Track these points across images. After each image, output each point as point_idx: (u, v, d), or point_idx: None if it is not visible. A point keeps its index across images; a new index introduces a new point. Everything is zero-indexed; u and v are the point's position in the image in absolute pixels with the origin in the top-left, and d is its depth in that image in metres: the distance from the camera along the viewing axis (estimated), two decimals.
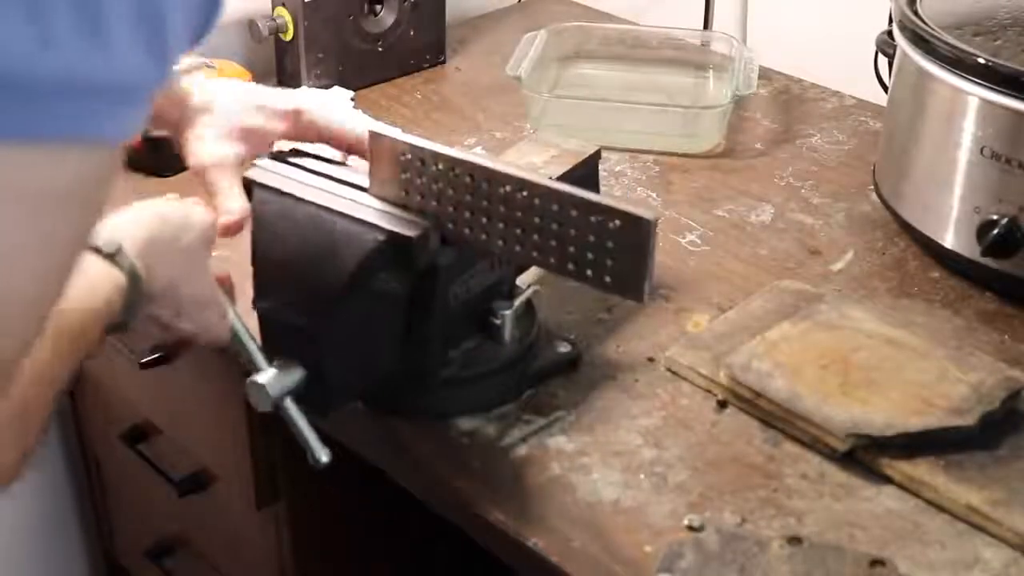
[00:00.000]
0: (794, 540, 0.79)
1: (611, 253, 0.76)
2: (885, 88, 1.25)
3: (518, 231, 0.79)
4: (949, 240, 1.07)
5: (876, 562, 0.77)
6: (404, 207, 0.83)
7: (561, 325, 1.00)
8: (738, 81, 1.31)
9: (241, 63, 1.35)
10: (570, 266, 0.78)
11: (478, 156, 0.83)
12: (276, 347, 0.84)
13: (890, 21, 1.16)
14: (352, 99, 1.36)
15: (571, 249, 0.77)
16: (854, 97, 1.44)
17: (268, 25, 1.37)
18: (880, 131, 1.29)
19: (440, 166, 0.81)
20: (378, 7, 1.45)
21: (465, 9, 1.68)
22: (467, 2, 1.69)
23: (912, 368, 0.91)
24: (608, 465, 0.86)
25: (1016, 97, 0.98)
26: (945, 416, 0.86)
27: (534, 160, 1.03)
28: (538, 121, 1.33)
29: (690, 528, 0.80)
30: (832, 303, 1.01)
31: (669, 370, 0.96)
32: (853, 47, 1.34)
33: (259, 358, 0.84)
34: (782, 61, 1.50)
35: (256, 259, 0.86)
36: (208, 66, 1.29)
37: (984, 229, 1.02)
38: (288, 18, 1.37)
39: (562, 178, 0.97)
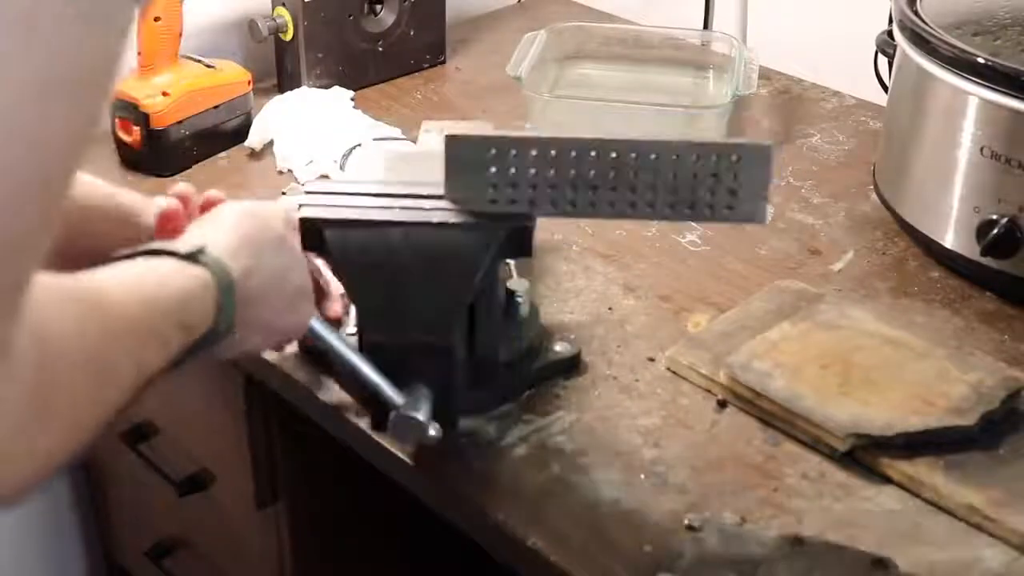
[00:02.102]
0: (794, 540, 0.79)
1: (732, 186, 0.81)
2: (885, 88, 1.25)
3: (628, 192, 0.82)
4: (949, 240, 1.07)
5: (876, 562, 0.77)
6: (492, 201, 0.83)
7: (561, 325, 1.00)
8: (738, 81, 1.31)
9: (241, 63, 1.35)
10: (686, 211, 0.82)
11: (579, 134, 0.84)
12: (398, 373, 0.83)
13: (890, 21, 1.16)
14: (352, 99, 1.36)
15: (687, 193, 0.82)
16: (854, 97, 1.44)
17: (268, 25, 1.37)
18: (880, 131, 1.28)
19: (536, 152, 0.82)
20: (378, 7, 1.45)
21: (465, 9, 1.68)
22: (467, 2, 1.69)
23: (912, 368, 0.91)
24: (608, 465, 0.86)
25: (1016, 97, 0.98)
26: (945, 416, 0.86)
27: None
28: (538, 121, 1.33)
29: (690, 528, 0.80)
30: (832, 303, 1.01)
31: (669, 370, 0.96)
32: (853, 47, 1.34)
33: (384, 385, 0.83)
34: (782, 61, 1.50)
35: (355, 295, 0.85)
36: (208, 66, 1.29)
37: (984, 229, 1.02)
38: (288, 18, 1.37)
39: None
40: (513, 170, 0.82)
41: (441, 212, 0.83)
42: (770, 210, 0.82)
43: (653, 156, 0.81)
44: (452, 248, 0.83)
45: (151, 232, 0.82)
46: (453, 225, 0.83)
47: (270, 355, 0.97)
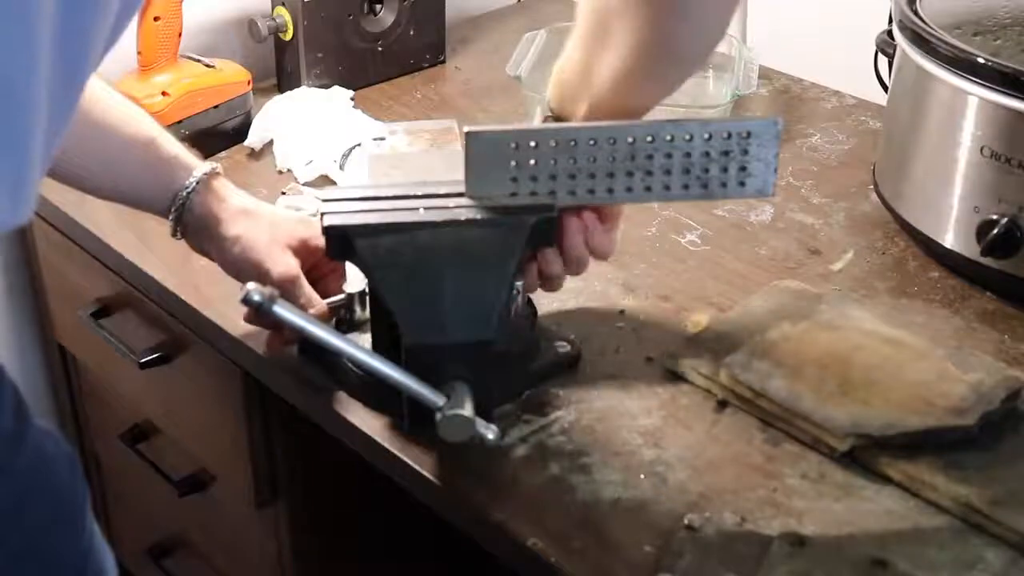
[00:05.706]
0: (794, 540, 0.79)
1: (743, 162, 0.85)
2: (885, 88, 1.25)
3: (645, 175, 0.84)
4: (949, 240, 1.07)
5: (876, 562, 0.77)
6: (512, 195, 0.83)
7: (561, 325, 1.00)
8: (738, 81, 1.31)
9: (241, 63, 1.35)
10: (699, 189, 0.85)
11: (598, 122, 0.84)
12: (435, 373, 0.83)
13: (890, 21, 1.16)
14: (352, 99, 1.36)
15: (701, 172, 0.85)
16: (854, 97, 1.44)
17: (268, 25, 1.37)
18: (880, 131, 1.29)
19: (556, 142, 0.82)
20: (378, 7, 1.45)
21: (465, 9, 1.68)
22: (467, 2, 1.69)
23: (912, 368, 0.91)
24: (608, 465, 0.86)
25: (1016, 97, 0.98)
26: (945, 416, 0.86)
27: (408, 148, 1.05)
28: (537, 121, 1.33)
29: (690, 528, 0.80)
30: (832, 303, 1.01)
31: (669, 370, 0.96)
32: (853, 47, 1.34)
33: (420, 387, 0.81)
34: (782, 61, 1.50)
35: (390, 301, 0.84)
36: (208, 66, 1.29)
37: (984, 229, 1.02)
38: (288, 18, 1.37)
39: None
40: (533, 162, 0.83)
41: (466, 209, 0.83)
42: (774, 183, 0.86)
43: (668, 138, 0.83)
44: (483, 244, 0.83)
45: (235, 215, 0.93)
46: (482, 221, 0.83)
47: (270, 355, 0.98)
